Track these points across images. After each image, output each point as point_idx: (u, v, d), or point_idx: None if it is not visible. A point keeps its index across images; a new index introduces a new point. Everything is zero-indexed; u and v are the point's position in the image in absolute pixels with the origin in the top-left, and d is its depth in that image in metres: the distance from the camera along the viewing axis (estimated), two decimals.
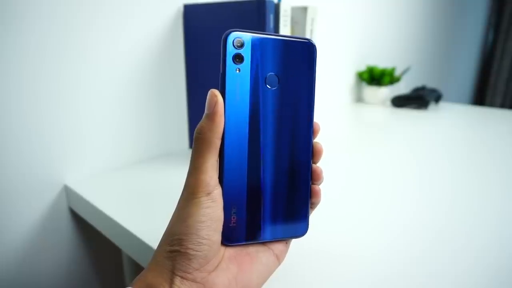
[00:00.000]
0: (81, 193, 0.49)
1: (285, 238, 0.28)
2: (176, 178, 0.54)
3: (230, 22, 0.54)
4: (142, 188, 0.51)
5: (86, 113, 0.52)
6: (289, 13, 0.54)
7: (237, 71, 0.25)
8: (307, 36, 0.59)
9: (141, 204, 0.46)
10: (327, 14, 0.98)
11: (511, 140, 0.77)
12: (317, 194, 0.29)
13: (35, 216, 0.50)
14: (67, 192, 0.52)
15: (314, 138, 0.28)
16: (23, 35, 0.44)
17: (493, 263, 0.34)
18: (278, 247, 0.28)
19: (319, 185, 0.29)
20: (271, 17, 0.51)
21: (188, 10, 0.59)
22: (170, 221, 0.25)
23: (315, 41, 0.62)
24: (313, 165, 0.28)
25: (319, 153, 0.28)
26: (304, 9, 0.58)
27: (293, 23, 0.59)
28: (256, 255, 0.27)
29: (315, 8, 0.59)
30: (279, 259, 0.28)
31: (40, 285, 0.53)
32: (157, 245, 0.25)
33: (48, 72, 0.47)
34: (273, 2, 0.51)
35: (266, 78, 0.26)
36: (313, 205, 0.29)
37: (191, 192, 0.24)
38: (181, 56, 0.63)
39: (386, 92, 1.16)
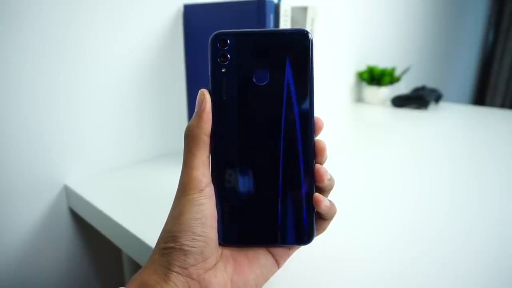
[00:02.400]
0: (81, 193, 0.49)
1: (284, 245, 0.27)
2: (176, 178, 0.53)
3: (230, 22, 0.54)
4: (142, 188, 0.51)
5: (86, 113, 0.52)
6: (289, 13, 0.54)
7: (223, 70, 0.25)
8: None
9: (141, 204, 0.46)
10: (327, 14, 0.98)
11: (511, 140, 0.77)
12: (318, 204, 0.25)
13: (35, 216, 0.50)
14: (67, 192, 0.52)
15: (316, 136, 0.26)
16: (23, 35, 0.44)
17: (493, 263, 0.34)
18: (279, 251, 0.27)
19: (328, 190, 0.26)
20: (271, 17, 0.51)
21: (188, 10, 0.59)
22: (166, 219, 0.25)
23: (316, 40, 0.62)
24: (316, 165, 0.26)
25: (322, 151, 0.26)
26: (304, 9, 0.58)
27: (293, 23, 0.59)
28: (254, 257, 0.26)
29: (315, 8, 0.59)
30: (278, 263, 0.27)
31: (40, 285, 0.53)
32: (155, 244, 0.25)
33: (48, 72, 0.47)
34: (273, 2, 0.51)
35: (254, 74, 0.25)
36: (323, 216, 0.26)
37: (183, 189, 0.24)
38: (181, 56, 0.63)
39: (386, 92, 1.16)
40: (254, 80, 0.25)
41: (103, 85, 0.53)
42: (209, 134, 0.25)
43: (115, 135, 0.57)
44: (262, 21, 0.50)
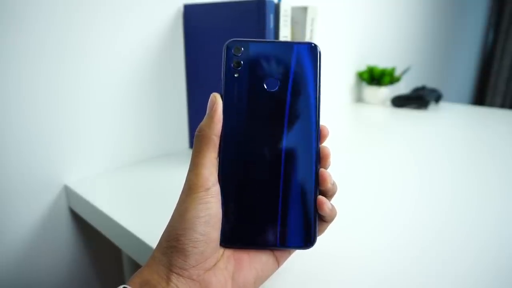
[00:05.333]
0: (81, 193, 0.49)
1: (286, 248, 0.27)
2: (176, 178, 0.54)
3: (230, 22, 0.54)
4: (142, 188, 0.51)
5: (86, 113, 0.52)
6: (289, 13, 0.54)
7: (236, 75, 0.26)
8: (307, 36, 0.59)
9: (141, 204, 0.46)
10: (327, 14, 0.98)
11: (511, 140, 0.77)
12: (321, 206, 0.26)
13: (35, 216, 0.50)
14: (67, 192, 0.52)
15: (322, 143, 0.27)
16: (23, 35, 0.44)
17: (493, 263, 0.34)
18: (280, 251, 0.28)
19: (331, 194, 0.27)
20: (271, 17, 0.51)
21: (188, 10, 0.59)
22: (171, 217, 0.25)
23: (317, 41, 0.62)
24: (321, 169, 0.27)
25: (326, 157, 0.27)
26: (304, 9, 0.58)
27: (293, 23, 0.59)
28: (255, 256, 0.27)
29: (315, 8, 0.59)
30: (278, 262, 0.28)
31: (40, 285, 0.53)
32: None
33: (48, 72, 0.47)
34: (273, 2, 0.51)
35: (265, 81, 0.26)
36: (325, 219, 0.27)
37: (189, 187, 0.25)
38: (181, 56, 0.63)
39: (386, 92, 1.16)
40: (264, 86, 0.26)
41: (103, 85, 0.53)
42: (219, 135, 0.26)
43: (115, 135, 0.57)
44: (262, 21, 0.50)
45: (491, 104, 2.60)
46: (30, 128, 0.47)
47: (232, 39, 0.26)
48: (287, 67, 0.26)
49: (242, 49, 0.26)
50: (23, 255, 0.50)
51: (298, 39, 0.59)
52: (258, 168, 0.26)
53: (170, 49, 0.61)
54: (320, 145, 0.27)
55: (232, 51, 0.26)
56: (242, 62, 0.26)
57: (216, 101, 0.26)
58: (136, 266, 0.58)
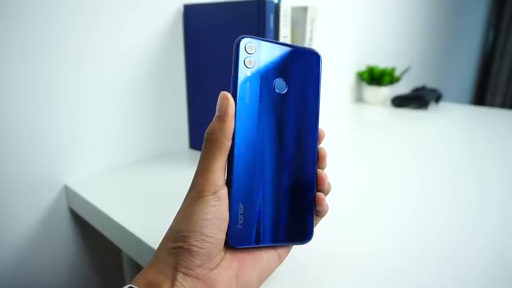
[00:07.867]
0: (81, 193, 0.49)
1: (288, 244, 0.28)
2: (176, 178, 0.54)
3: (230, 22, 0.54)
4: (142, 188, 0.51)
5: (86, 113, 0.52)
6: (289, 13, 0.54)
7: (248, 74, 0.26)
8: (307, 36, 0.59)
9: (141, 204, 0.46)
10: (327, 14, 0.98)
11: (511, 140, 0.77)
12: (320, 202, 0.28)
13: (35, 216, 0.50)
14: (67, 192, 0.52)
15: (319, 144, 0.29)
16: (23, 35, 0.44)
17: (493, 262, 0.34)
18: (281, 247, 0.29)
19: (326, 193, 0.29)
20: (271, 17, 0.51)
21: (188, 10, 0.59)
22: (174, 218, 0.26)
23: (317, 41, 0.62)
24: (318, 170, 0.29)
25: (323, 158, 0.29)
26: (304, 9, 0.58)
27: (293, 23, 0.59)
28: (258, 253, 0.27)
29: (315, 8, 0.59)
30: (280, 258, 0.29)
31: (39, 285, 0.53)
32: (159, 243, 0.25)
33: (48, 72, 0.47)
34: (273, 2, 0.51)
35: (275, 83, 0.27)
36: (319, 214, 0.29)
37: (197, 190, 0.25)
38: (181, 56, 0.63)
39: (386, 92, 1.16)
40: (274, 87, 0.27)
41: (103, 85, 0.53)
42: (231, 139, 0.25)
43: (115, 135, 0.57)
44: (262, 21, 0.50)
45: (491, 104, 2.60)
46: (31, 128, 0.47)
47: (244, 36, 0.26)
48: (296, 71, 0.27)
49: (255, 47, 0.26)
50: (23, 255, 0.50)
51: (298, 39, 0.59)
52: (264, 170, 0.27)
53: (170, 49, 0.61)
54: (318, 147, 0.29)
55: (245, 48, 0.25)
56: (254, 61, 0.26)
57: (229, 102, 0.25)
58: (136, 266, 0.58)
